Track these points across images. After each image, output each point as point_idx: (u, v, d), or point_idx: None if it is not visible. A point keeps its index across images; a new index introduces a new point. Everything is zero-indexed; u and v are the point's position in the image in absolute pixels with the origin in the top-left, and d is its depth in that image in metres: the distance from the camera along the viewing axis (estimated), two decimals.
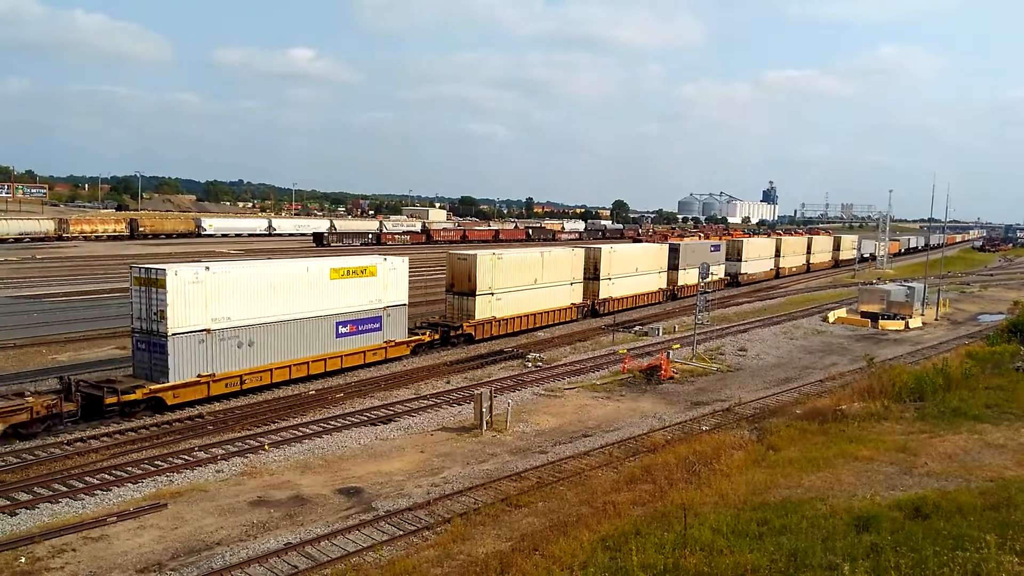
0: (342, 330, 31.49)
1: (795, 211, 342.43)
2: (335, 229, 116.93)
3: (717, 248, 71.07)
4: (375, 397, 29.45)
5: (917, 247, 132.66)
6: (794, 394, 31.68)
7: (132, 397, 24.61)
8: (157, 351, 25.49)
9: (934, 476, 18.25)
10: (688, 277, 60.54)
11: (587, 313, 49.36)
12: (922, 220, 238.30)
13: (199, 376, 26.09)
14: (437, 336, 37.67)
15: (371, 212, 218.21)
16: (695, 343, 39.59)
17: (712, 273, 45.40)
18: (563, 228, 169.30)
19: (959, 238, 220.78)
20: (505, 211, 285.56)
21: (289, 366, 29.31)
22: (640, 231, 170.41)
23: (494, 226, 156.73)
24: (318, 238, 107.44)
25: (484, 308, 39.73)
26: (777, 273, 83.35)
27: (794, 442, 22.44)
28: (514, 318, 41.94)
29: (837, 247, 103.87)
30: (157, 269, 25.84)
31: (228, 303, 26.76)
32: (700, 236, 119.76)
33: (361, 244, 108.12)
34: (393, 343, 34.15)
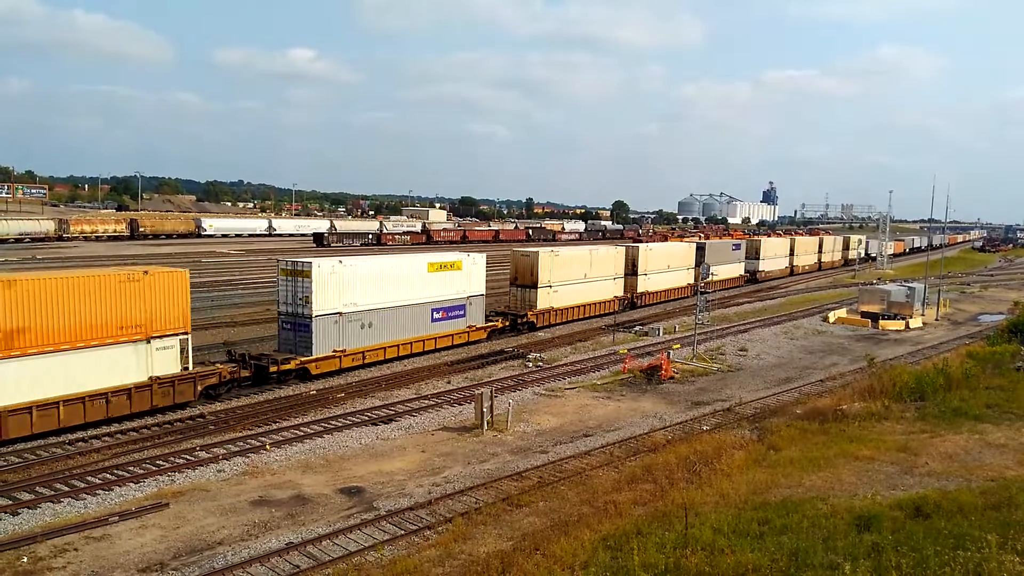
0: (436, 316, 36.65)
1: (795, 211, 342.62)
2: (335, 229, 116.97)
3: (738, 247, 75.11)
4: (376, 397, 29.49)
5: (921, 247, 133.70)
6: (795, 394, 31.70)
7: (287, 367, 29.47)
8: (302, 330, 30.34)
9: (935, 476, 18.27)
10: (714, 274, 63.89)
11: (627, 305, 53.46)
12: (922, 220, 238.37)
13: (334, 351, 31.22)
14: (508, 323, 42.42)
15: (371, 212, 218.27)
16: (695, 343, 39.63)
17: (711, 273, 46.62)
18: (563, 229, 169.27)
19: (960, 238, 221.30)
20: (505, 211, 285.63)
21: (397, 345, 34.39)
22: (640, 232, 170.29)
23: (494, 226, 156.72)
24: (318, 238, 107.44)
25: (544, 299, 44.43)
26: (792, 271, 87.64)
27: (795, 442, 22.46)
28: (568, 308, 46.61)
29: (846, 247, 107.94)
30: (303, 262, 30.77)
31: (355, 291, 31.96)
32: (700, 236, 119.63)
33: (361, 244, 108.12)
34: (474, 328, 39.16)
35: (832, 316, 52.87)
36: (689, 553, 12.78)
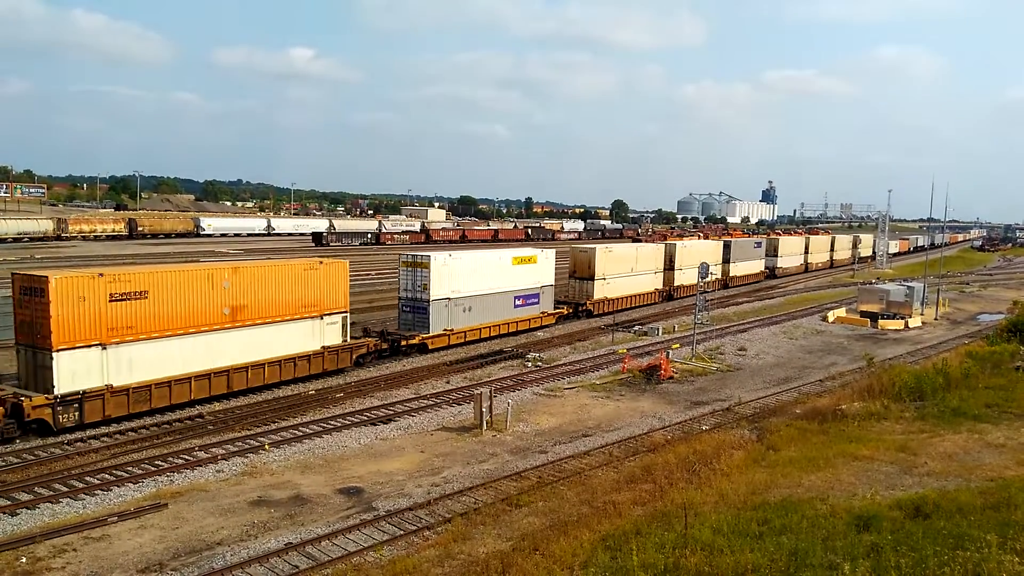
0: (517, 303, 42.78)
1: (794, 211, 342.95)
2: (334, 229, 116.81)
3: (759, 245, 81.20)
4: (375, 397, 29.47)
5: (924, 246, 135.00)
6: (794, 394, 31.70)
7: (412, 342, 35.97)
8: (420, 312, 36.59)
9: (934, 476, 18.27)
10: (736, 269, 72.07)
11: (666, 297, 59.20)
12: (921, 220, 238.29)
13: (444, 330, 37.31)
14: (571, 310, 48.45)
15: (370, 212, 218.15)
16: (695, 343, 39.63)
17: (707, 272, 47.20)
18: (562, 228, 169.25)
19: (960, 237, 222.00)
20: (504, 211, 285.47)
21: (489, 327, 40.36)
22: (639, 231, 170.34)
23: (493, 226, 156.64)
24: (317, 238, 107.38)
25: (600, 290, 50.19)
26: (806, 268, 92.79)
27: (794, 442, 22.46)
28: (619, 298, 52.05)
29: (855, 245, 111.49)
30: (423, 255, 37.39)
31: (459, 281, 38.09)
32: (700, 236, 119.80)
33: (360, 244, 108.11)
34: (546, 314, 45.25)
35: (831, 316, 52.89)
36: (688, 553, 12.78)
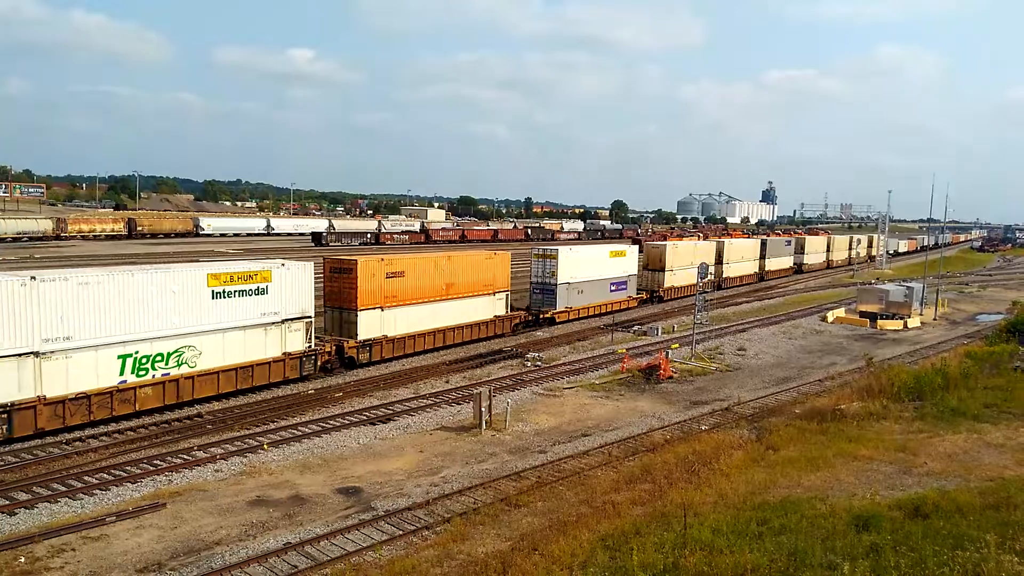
0: (612, 288, 52.13)
1: (794, 211, 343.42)
2: (334, 229, 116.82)
3: (789, 243, 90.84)
4: (374, 396, 29.45)
5: (928, 245, 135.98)
6: (793, 394, 31.69)
7: (546, 315, 45.64)
8: (549, 293, 46.13)
9: (933, 476, 18.27)
10: (772, 264, 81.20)
11: (715, 287, 67.31)
12: (921, 220, 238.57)
13: (566, 307, 46.65)
14: (648, 296, 57.62)
15: (370, 212, 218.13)
16: (694, 343, 39.62)
17: (706, 272, 47.70)
18: (562, 228, 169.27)
19: (963, 238, 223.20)
20: (504, 211, 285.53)
21: (594, 306, 49.92)
22: (639, 231, 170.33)
23: (493, 226, 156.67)
24: (316, 238, 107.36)
25: (668, 279, 59.40)
26: (828, 264, 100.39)
27: (793, 442, 22.46)
28: (682, 286, 60.16)
29: (871, 244, 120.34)
30: (551, 249, 47.99)
31: (575, 269, 47.57)
32: (699, 236, 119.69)
33: (360, 244, 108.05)
34: (631, 298, 54.91)
35: (831, 316, 52.88)
36: (688, 553, 12.77)
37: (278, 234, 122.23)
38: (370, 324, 33.30)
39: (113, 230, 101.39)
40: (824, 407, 26.73)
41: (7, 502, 18.34)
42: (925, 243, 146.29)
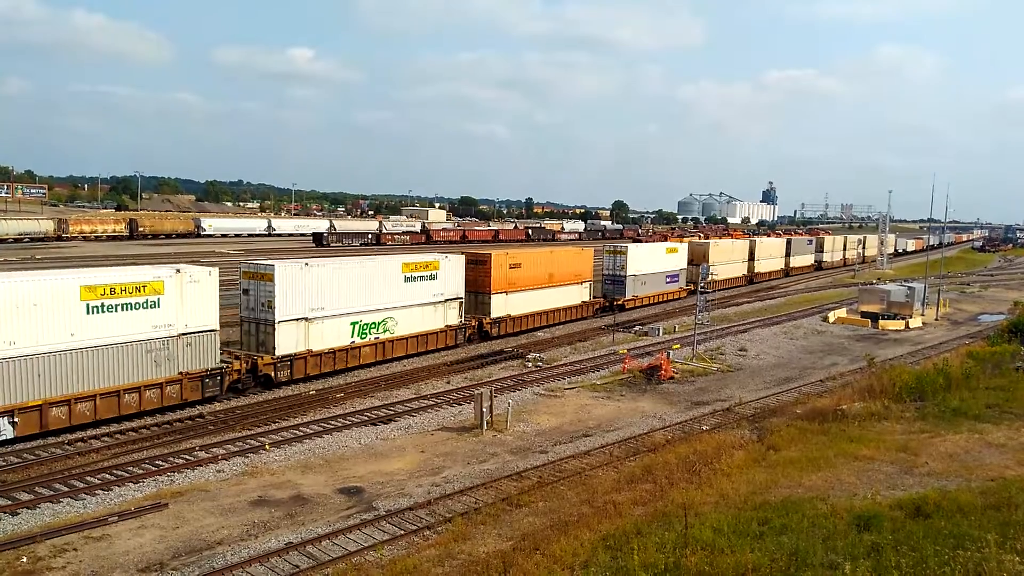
0: (667, 280, 59.79)
1: (795, 211, 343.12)
2: (334, 229, 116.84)
3: (811, 242, 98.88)
4: (375, 397, 29.48)
5: (934, 245, 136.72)
6: (794, 394, 31.68)
7: (619, 302, 52.80)
8: (619, 284, 53.63)
9: (935, 476, 18.27)
10: (796, 261, 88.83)
11: (749, 281, 75.75)
12: (922, 220, 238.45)
13: (632, 296, 54.07)
14: (693, 288, 58.23)
15: (371, 212, 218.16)
16: (695, 343, 39.61)
17: (707, 273, 48.10)
18: (563, 228, 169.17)
19: (965, 237, 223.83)
20: (505, 211, 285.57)
21: (654, 295, 57.73)
22: (640, 231, 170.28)
23: (494, 226, 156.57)
24: (317, 238, 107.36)
25: (713, 272, 61.97)
26: (844, 262, 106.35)
27: (794, 442, 22.45)
28: (723, 279, 67.10)
29: (883, 243, 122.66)
30: (622, 246, 56.29)
31: (640, 263, 55.31)
32: (700, 236, 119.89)
33: (360, 244, 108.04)
34: (681, 289, 61.45)
35: (832, 316, 52.87)
36: (689, 553, 12.78)
37: (279, 235, 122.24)
38: (499, 305, 41.31)
39: (115, 231, 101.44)
40: (825, 407, 26.73)
41: (9, 502, 18.38)
42: (931, 243, 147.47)
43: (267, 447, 23.06)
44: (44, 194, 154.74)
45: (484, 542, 16.38)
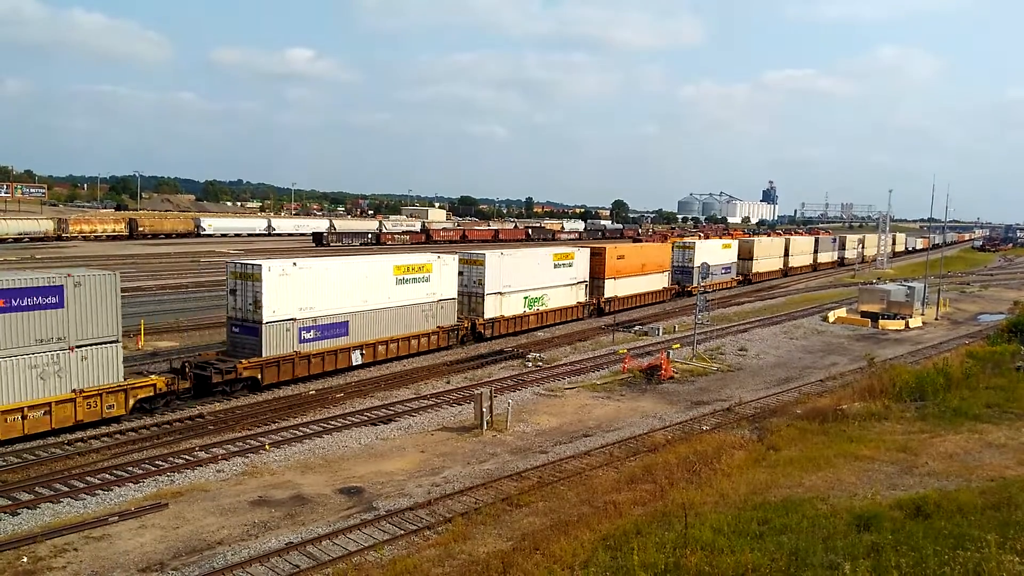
0: (722, 271, 70.13)
1: (795, 211, 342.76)
2: (334, 229, 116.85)
3: (835, 240, 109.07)
4: (375, 397, 29.48)
5: (938, 244, 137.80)
6: (794, 394, 31.68)
7: (688, 289, 60.97)
8: (687, 274, 62.04)
9: (935, 476, 18.28)
10: (822, 257, 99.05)
11: (784, 274, 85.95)
12: (922, 220, 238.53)
13: (701, 285, 49.54)
14: (742, 279, 75.04)
15: (370, 212, 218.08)
16: (695, 343, 39.61)
17: (707, 273, 48.74)
18: (563, 228, 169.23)
19: (967, 237, 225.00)
20: (505, 211, 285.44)
21: (716, 284, 66.20)
22: (640, 231, 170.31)
23: (494, 226, 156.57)
24: (317, 238, 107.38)
25: (756, 267, 78.19)
26: (862, 259, 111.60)
27: (795, 442, 22.47)
28: (764, 272, 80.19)
29: (895, 242, 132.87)
30: (690, 241, 69.87)
31: (704, 256, 62.30)
32: (700, 236, 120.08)
33: (360, 244, 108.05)
34: (733, 280, 73.06)
35: (832, 316, 52.86)
36: (689, 553, 12.78)
37: (279, 234, 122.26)
38: (610, 287, 51.70)
39: (114, 230, 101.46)
40: (825, 407, 26.74)
41: (10, 502, 18.38)
42: (936, 242, 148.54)
43: (267, 447, 23.06)
44: (44, 194, 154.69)
45: (484, 542, 16.39)
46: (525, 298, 43.22)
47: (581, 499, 18.98)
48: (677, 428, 26.46)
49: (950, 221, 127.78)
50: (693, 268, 60.43)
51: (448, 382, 32.28)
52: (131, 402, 24.86)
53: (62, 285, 22.75)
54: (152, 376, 26.06)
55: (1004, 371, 30.57)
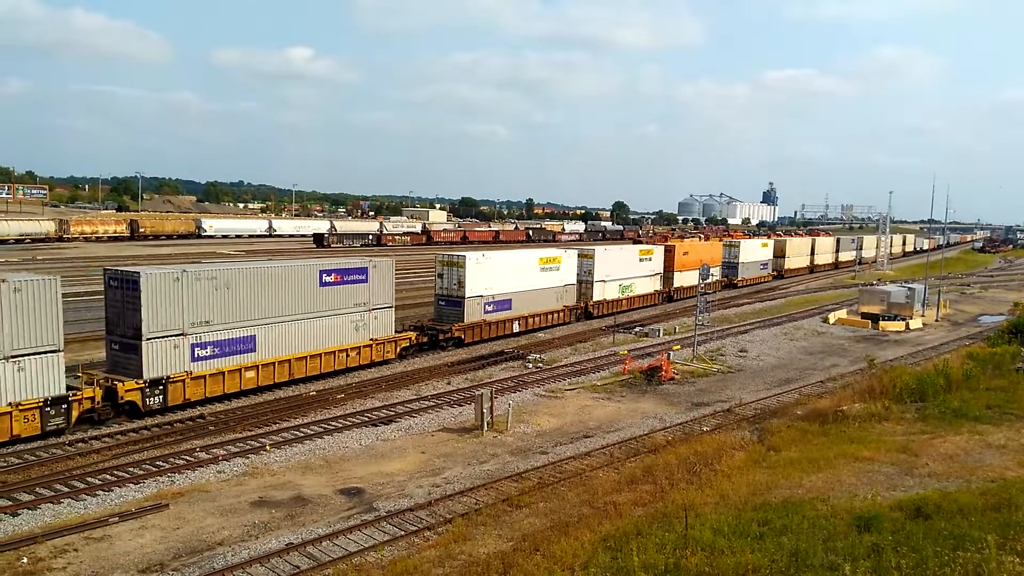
0: (760, 267, 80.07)
1: (795, 212, 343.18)
2: (335, 230, 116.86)
3: (854, 241, 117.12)
4: (376, 398, 29.49)
5: (942, 244, 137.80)
6: (795, 395, 31.69)
7: (734, 281, 73.23)
8: (733, 269, 73.07)
9: (935, 477, 18.28)
10: (843, 256, 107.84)
11: (810, 271, 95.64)
12: (922, 221, 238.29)
13: (742, 278, 73.91)
14: (776, 275, 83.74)
15: (371, 213, 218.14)
16: (696, 344, 39.61)
17: (707, 274, 49.00)
18: (563, 229, 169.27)
19: (969, 237, 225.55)
20: (505, 212, 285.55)
21: (752, 279, 76.84)
22: (640, 232, 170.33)
23: (494, 227, 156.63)
24: (318, 239, 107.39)
25: (788, 263, 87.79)
26: (876, 258, 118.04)
27: (795, 443, 22.47)
28: (794, 268, 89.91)
29: (904, 243, 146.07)
30: (736, 241, 79.89)
31: (747, 254, 75.54)
32: (700, 237, 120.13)
33: (361, 245, 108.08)
34: (769, 275, 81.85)
35: (832, 317, 52.86)
36: (689, 554, 12.79)
37: (280, 235, 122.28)
38: (677, 279, 60.67)
39: (116, 231, 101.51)
40: (826, 408, 26.74)
41: (10, 503, 18.39)
42: (940, 242, 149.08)
43: (267, 448, 23.08)
44: (45, 195, 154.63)
45: (484, 543, 16.39)
46: (620, 285, 53.15)
47: (581, 500, 18.98)
48: (677, 429, 26.46)
49: (950, 222, 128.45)
50: (739, 263, 72.99)
51: (448, 383, 32.29)
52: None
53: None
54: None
55: (1004, 372, 30.56)
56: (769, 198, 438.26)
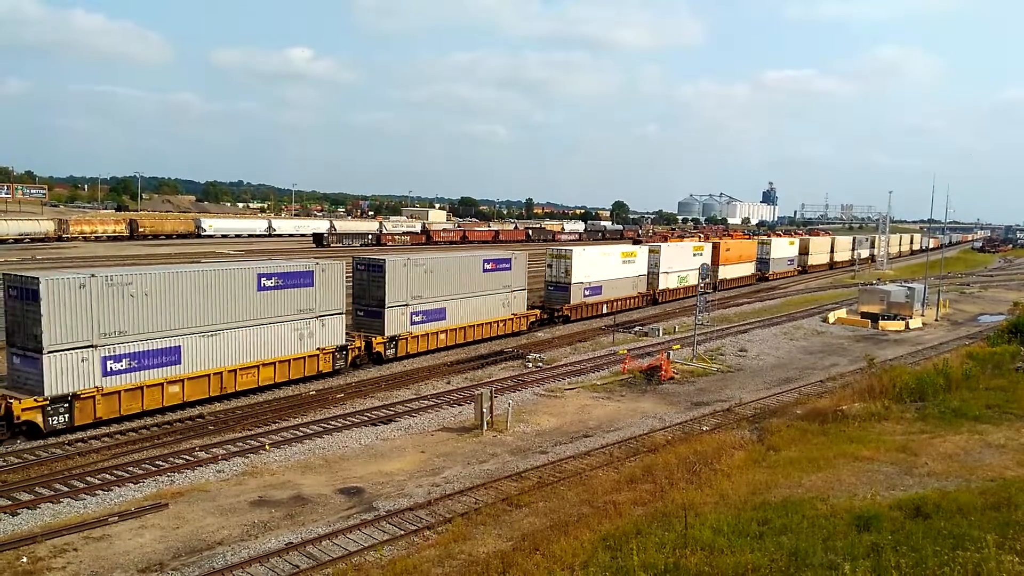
0: (786, 263, 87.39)
1: (795, 212, 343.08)
2: (335, 230, 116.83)
3: (868, 239, 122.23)
4: (375, 397, 29.49)
5: (944, 244, 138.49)
6: (794, 394, 31.70)
7: (765, 275, 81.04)
8: (765, 264, 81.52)
9: (935, 476, 18.27)
10: (860, 253, 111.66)
11: (830, 267, 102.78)
12: (922, 221, 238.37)
13: (772, 272, 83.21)
14: (801, 270, 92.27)
15: (371, 213, 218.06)
16: (695, 343, 39.62)
17: (707, 274, 48.83)
18: (563, 229, 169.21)
19: (970, 237, 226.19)
20: (505, 212, 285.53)
21: (781, 272, 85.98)
22: (640, 232, 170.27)
23: (494, 227, 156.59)
24: (318, 239, 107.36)
25: (811, 259, 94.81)
26: (887, 256, 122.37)
27: (795, 442, 22.46)
28: (817, 264, 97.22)
29: (912, 241, 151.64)
30: (767, 238, 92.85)
31: (777, 251, 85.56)
32: (700, 237, 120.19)
33: (361, 245, 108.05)
34: (794, 270, 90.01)
35: (832, 316, 52.87)
36: (689, 553, 12.78)
37: (279, 235, 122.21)
38: (722, 272, 68.94)
39: (115, 231, 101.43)
40: (825, 408, 26.73)
41: (10, 502, 18.39)
42: (944, 242, 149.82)
43: (267, 447, 23.07)
44: (44, 195, 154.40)
45: (484, 542, 16.39)
46: (678, 277, 61.10)
47: (581, 499, 18.98)
48: (677, 428, 26.46)
49: (950, 222, 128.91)
50: (770, 259, 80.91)
51: (448, 382, 32.30)
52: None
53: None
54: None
55: (1004, 372, 30.55)
56: (769, 198, 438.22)
